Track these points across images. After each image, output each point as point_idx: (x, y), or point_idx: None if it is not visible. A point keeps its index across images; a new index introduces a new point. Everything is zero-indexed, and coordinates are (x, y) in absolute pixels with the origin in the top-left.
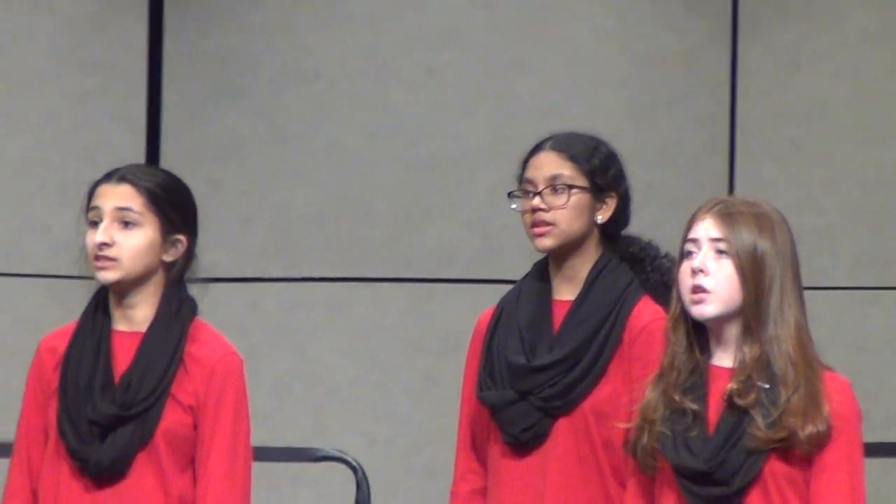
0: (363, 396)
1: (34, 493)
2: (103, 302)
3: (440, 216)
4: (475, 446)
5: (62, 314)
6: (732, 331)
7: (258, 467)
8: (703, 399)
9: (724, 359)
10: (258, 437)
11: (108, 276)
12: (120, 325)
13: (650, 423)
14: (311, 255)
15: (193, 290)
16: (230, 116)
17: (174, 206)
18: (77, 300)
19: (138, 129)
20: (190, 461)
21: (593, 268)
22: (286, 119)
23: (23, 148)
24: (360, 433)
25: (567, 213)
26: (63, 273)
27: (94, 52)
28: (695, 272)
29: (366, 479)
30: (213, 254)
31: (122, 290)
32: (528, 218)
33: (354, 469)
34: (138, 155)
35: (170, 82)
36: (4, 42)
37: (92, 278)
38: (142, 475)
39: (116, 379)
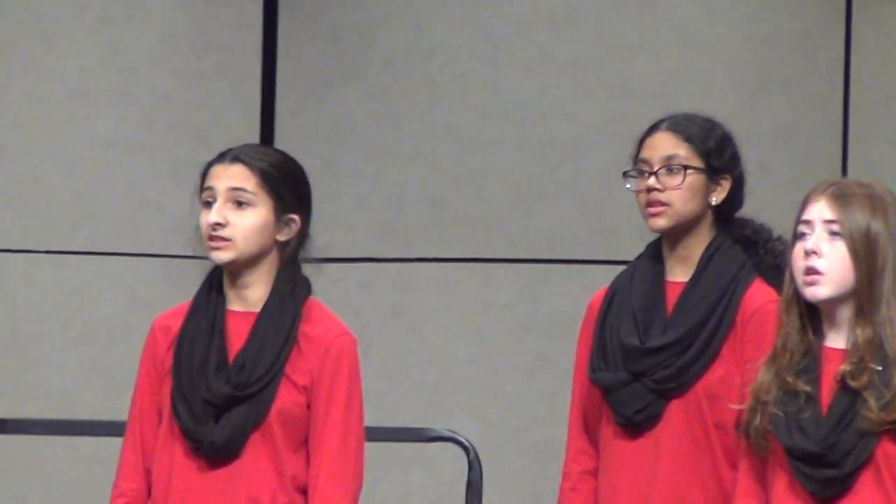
0: (475, 377)
1: (147, 473)
2: (217, 282)
3: (553, 197)
4: (587, 427)
5: (176, 294)
6: (845, 312)
7: (370, 447)
8: (815, 381)
9: (836, 340)
10: (370, 417)
11: (223, 256)
12: (234, 305)
13: (763, 405)
14: (424, 235)
15: (307, 269)
16: (344, 96)
17: (288, 186)
18: (191, 280)
19: (253, 110)
20: (303, 441)
21: (706, 249)
22: (400, 99)
23: (137, 128)
24: (472, 413)
25: (682, 193)
26: (177, 253)
27: (209, 32)
28: (808, 254)
29: (478, 459)
30: (326, 234)
31: (236, 269)
32: (643, 198)
33: (466, 449)
34: (252, 135)
35: (284, 62)
36: (120, 22)
37: (205, 258)
38: (255, 455)
39: (231, 359)
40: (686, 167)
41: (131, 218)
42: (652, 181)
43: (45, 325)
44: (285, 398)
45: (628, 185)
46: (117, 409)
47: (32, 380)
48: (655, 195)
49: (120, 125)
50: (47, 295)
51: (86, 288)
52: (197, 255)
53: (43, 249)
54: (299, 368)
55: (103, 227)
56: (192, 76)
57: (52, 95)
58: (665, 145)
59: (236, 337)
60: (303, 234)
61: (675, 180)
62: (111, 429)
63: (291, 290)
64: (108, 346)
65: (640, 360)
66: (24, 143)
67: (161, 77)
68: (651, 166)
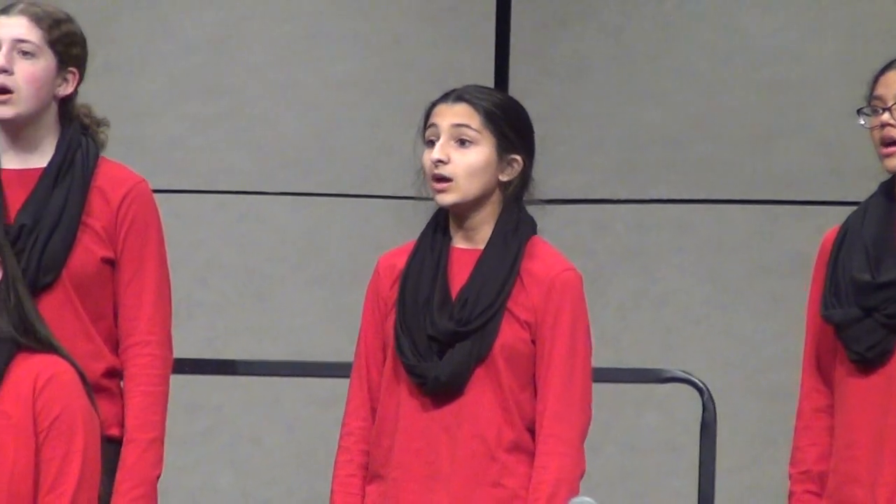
0: (709, 318)
1: (374, 412)
2: (443, 221)
3: (788, 137)
4: (820, 366)
5: (408, 235)
6: None
7: (605, 388)
8: None
9: None
10: (605, 358)
11: (447, 198)
12: (459, 243)
13: None
14: (659, 176)
15: (533, 211)
16: (579, 37)
17: (510, 126)
18: (422, 221)
19: (487, 50)
20: (529, 378)
21: None
22: (635, 39)
23: (372, 70)
24: (706, 354)
25: None
26: (409, 194)
27: None
28: None
29: (712, 400)
30: (561, 175)
31: (461, 210)
32: (877, 134)
33: (700, 390)
34: (486, 76)
35: (518, 2)
36: None
37: (433, 199)
38: (479, 391)
39: (454, 295)
40: None
41: (365, 159)
42: (886, 117)
43: (280, 267)
44: (508, 333)
45: (862, 122)
46: (350, 349)
47: (267, 321)
48: (889, 131)
49: (353, 66)
50: (282, 236)
51: (320, 229)
52: (427, 196)
53: (278, 191)
54: (522, 304)
55: (338, 169)
56: (425, 17)
57: (286, 37)
58: None
59: (460, 274)
60: (525, 175)
61: None
62: (344, 370)
63: (515, 228)
64: (341, 287)
65: (872, 295)
66: (259, 85)
67: (394, 18)
68: (885, 102)
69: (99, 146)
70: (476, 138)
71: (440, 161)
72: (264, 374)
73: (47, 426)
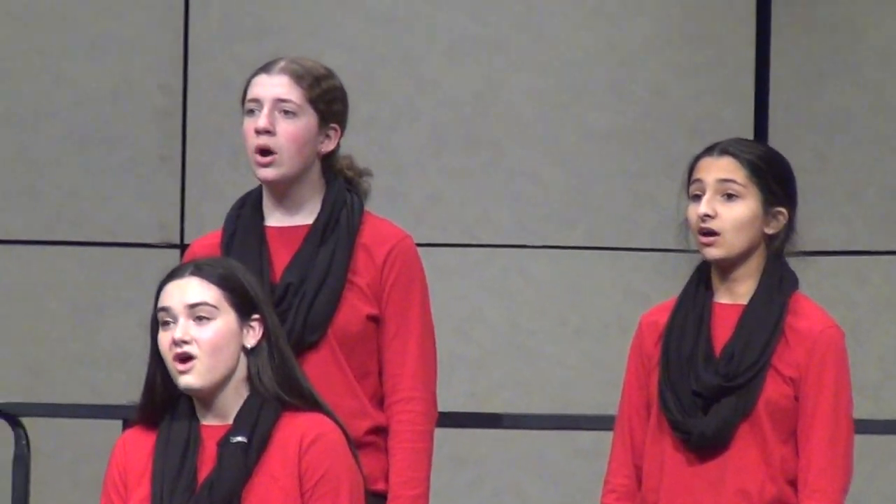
0: None
1: (637, 469)
2: (706, 275)
3: None
4: None
5: (670, 288)
6: None
7: (866, 440)
8: None
9: None
10: (865, 410)
11: (714, 253)
12: (721, 298)
13: None
14: None
15: (792, 263)
16: (838, 89)
17: (775, 179)
18: (685, 274)
19: (746, 103)
20: (791, 433)
21: None
22: (894, 91)
23: (632, 121)
24: None
25: None
26: (671, 247)
27: (704, 24)
28: None
29: None
30: (820, 227)
31: (726, 264)
32: None
33: None
34: (746, 128)
35: (778, 55)
36: (615, 16)
37: (697, 252)
38: (744, 447)
39: (717, 351)
40: None
41: (627, 212)
42: None
43: (543, 320)
44: (773, 389)
45: None
46: (613, 402)
47: (530, 374)
48: None
49: (615, 118)
50: (545, 290)
51: (583, 282)
52: (689, 249)
53: (539, 244)
54: (786, 360)
55: (599, 222)
56: (685, 69)
57: (547, 89)
58: None
59: (723, 329)
60: (790, 228)
61: None
62: (607, 422)
63: (779, 283)
64: (605, 340)
65: None
66: (520, 137)
67: (655, 70)
68: None
69: (363, 196)
70: (742, 192)
71: (707, 216)
72: (530, 428)
73: (312, 486)
